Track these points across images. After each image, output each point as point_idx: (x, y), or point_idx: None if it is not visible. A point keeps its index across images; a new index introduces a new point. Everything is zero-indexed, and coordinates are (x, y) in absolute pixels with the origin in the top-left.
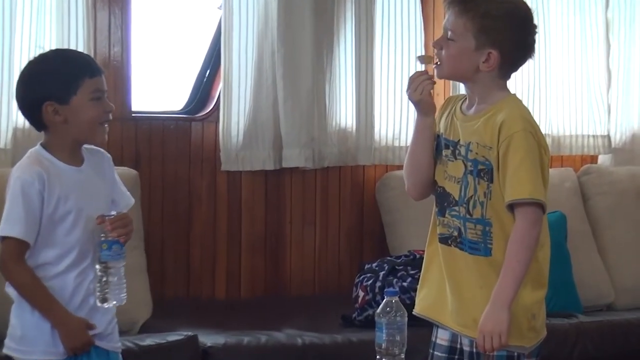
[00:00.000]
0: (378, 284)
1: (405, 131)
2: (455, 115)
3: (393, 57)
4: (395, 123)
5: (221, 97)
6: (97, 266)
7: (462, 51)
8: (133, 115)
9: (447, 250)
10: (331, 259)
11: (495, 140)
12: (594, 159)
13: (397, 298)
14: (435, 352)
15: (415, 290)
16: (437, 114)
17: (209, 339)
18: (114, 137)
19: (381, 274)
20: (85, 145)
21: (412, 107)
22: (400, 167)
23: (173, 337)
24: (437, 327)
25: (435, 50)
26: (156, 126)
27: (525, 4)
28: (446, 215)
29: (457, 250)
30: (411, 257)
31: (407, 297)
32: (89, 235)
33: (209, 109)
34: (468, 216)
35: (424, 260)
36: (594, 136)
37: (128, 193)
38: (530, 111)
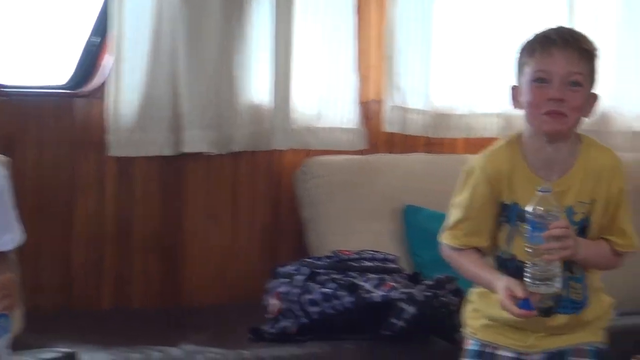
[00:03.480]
0: (295, 290)
1: (329, 110)
2: (527, 180)
3: (315, 21)
4: (318, 100)
5: (110, 69)
6: None
7: (585, 98)
8: (2, 89)
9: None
10: (240, 261)
11: (601, 192)
12: None
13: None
14: None
15: (338, 297)
16: (482, 178)
17: (91, 357)
18: None
19: (299, 278)
20: None
21: (339, 80)
22: (323, 152)
23: (48, 355)
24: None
25: (552, 104)
26: (31, 103)
27: None
28: None
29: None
30: (335, 259)
31: (330, 306)
32: None
33: (96, 84)
34: (570, 275)
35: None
36: None
37: (18, 225)
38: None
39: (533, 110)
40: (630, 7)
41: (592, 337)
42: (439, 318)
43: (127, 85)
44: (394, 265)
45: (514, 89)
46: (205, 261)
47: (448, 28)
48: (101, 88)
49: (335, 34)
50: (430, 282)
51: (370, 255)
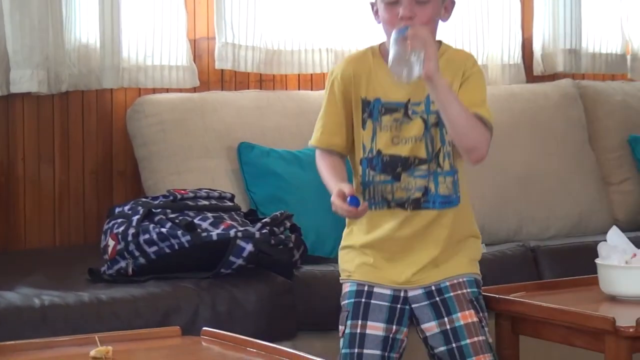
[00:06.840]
0: (131, 230)
1: (160, 48)
2: (388, 76)
3: None
4: (147, 38)
5: None
6: None
7: (436, 10)
8: None
9: (402, 213)
10: (74, 202)
11: (458, 80)
12: None
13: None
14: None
15: (175, 236)
16: (339, 75)
17: None
18: None
19: (135, 218)
20: None
21: (168, 17)
22: (155, 91)
23: None
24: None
25: (403, 23)
26: None
27: None
28: (403, 179)
29: (419, 211)
30: (171, 198)
31: (167, 246)
32: None
33: None
34: (440, 170)
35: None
36: None
37: None
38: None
39: (388, 27)
40: None
41: (467, 269)
42: (276, 254)
43: None
44: (230, 204)
45: (373, 5)
46: (38, 203)
47: None
48: None
49: None
50: (266, 220)
51: (206, 194)
